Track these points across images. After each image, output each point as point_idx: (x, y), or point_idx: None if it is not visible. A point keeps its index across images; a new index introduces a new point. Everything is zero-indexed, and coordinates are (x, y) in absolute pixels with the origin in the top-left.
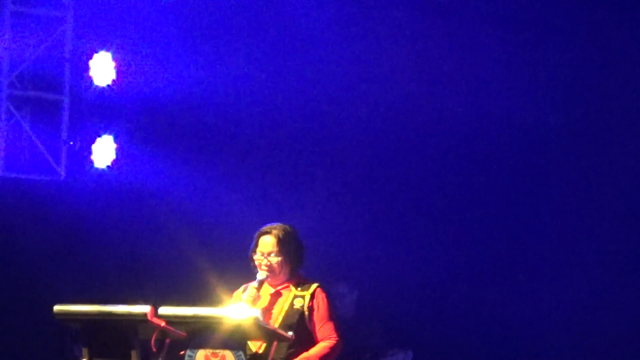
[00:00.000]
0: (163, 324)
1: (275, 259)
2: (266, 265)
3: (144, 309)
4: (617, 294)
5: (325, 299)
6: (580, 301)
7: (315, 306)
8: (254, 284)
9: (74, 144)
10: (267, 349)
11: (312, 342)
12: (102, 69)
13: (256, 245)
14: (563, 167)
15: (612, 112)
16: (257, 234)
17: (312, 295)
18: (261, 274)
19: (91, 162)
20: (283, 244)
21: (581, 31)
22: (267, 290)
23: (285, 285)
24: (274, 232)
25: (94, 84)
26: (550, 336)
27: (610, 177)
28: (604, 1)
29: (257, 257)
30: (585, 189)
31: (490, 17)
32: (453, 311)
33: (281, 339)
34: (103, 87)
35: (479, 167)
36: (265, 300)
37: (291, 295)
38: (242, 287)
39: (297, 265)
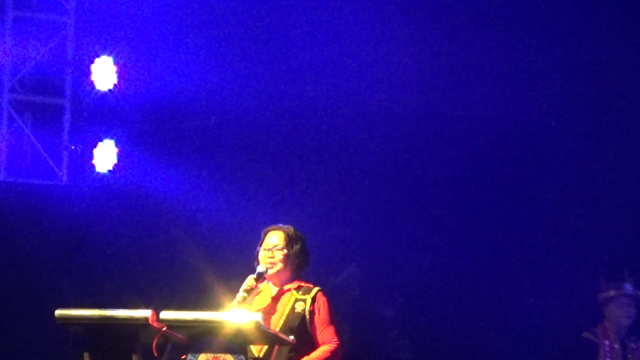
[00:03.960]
0: (164, 328)
1: (280, 253)
2: (269, 258)
3: (145, 313)
4: None
5: (326, 303)
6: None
7: (316, 310)
8: (253, 275)
9: (76, 148)
10: (269, 352)
11: (313, 346)
12: (104, 73)
13: (262, 241)
14: (565, 169)
15: (614, 114)
16: (264, 230)
17: (314, 299)
18: (261, 267)
19: (93, 166)
20: (290, 240)
21: (583, 33)
22: (269, 289)
23: (287, 288)
24: (283, 228)
25: (95, 88)
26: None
27: (611, 178)
28: (605, 2)
29: (262, 252)
30: (587, 190)
31: (492, 19)
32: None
33: (282, 343)
34: (105, 92)
35: (481, 169)
36: (265, 300)
37: (292, 299)
38: None
39: (301, 268)
